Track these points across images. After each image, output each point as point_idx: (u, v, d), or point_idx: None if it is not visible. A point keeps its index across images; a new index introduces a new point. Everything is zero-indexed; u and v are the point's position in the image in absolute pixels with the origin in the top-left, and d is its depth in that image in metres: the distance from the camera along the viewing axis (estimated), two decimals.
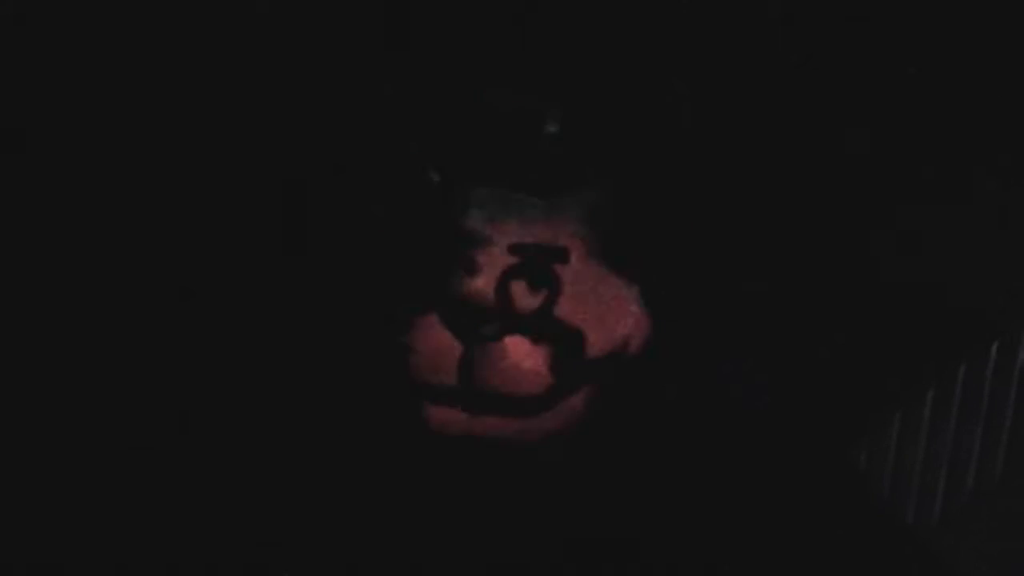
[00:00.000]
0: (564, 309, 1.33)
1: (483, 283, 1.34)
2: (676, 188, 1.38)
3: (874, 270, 1.60)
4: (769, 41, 1.48)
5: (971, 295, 1.67)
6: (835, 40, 1.51)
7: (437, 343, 1.35)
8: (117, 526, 1.39)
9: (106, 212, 1.40)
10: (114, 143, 1.41)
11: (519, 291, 1.34)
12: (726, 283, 1.45)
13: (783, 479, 1.48)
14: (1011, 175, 1.62)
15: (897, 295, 1.64)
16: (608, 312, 1.34)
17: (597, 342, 1.34)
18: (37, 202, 1.40)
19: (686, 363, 1.41)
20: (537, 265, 1.34)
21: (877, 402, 1.75)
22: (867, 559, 1.47)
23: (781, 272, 1.52)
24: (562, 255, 1.33)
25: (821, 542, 1.46)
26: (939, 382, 1.80)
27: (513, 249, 1.34)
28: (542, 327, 1.33)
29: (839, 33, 1.51)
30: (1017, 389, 1.78)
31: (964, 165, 1.60)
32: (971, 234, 1.63)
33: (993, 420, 1.77)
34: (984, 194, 1.61)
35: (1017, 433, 1.77)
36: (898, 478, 1.82)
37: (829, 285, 1.57)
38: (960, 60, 1.56)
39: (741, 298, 1.49)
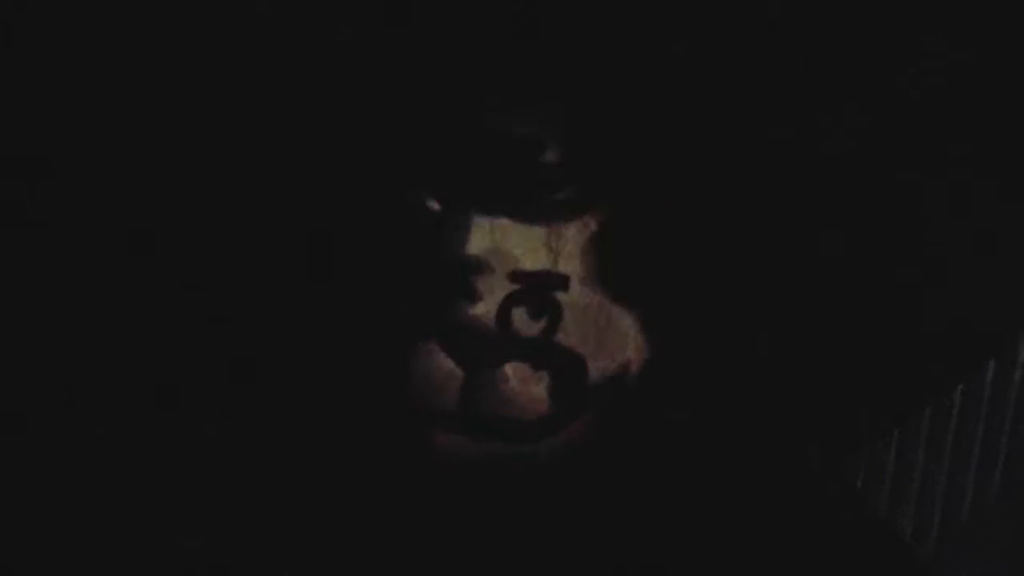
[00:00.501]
0: (565, 336, 1.34)
1: (484, 310, 1.35)
2: (675, 214, 1.39)
3: (870, 288, 1.61)
4: (765, 56, 1.48)
5: (968, 312, 1.68)
6: (827, 44, 1.51)
7: (438, 369, 1.36)
8: (116, 526, 1.39)
9: (93, 213, 1.39)
10: (108, 142, 1.37)
11: (520, 318, 1.35)
12: (724, 305, 1.45)
13: (781, 497, 1.48)
14: (1008, 186, 1.62)
15: (892, 312, 1.64)
16: (608, 338, 1.35)
17: (598, 368, 1.35)
18: (36, 205, 1.37)
19: (685, 385, 1.42)
20: (538, 292, 1.35)
21: (873, 421, 1.75)
22: None
23: (778, 294, 1.52)
24: (563, 282, 1.35)
25: (819, 561, 1.46)
26: (936, 401, 1.81)
27: (513, 276, 1.35)
28: (543, 354, 1.34)
29: (831, 37, 1.51)
30: (1014, 408, 1.79)
31: (962, 177, 1.60)
32: (971, 251, 1.64)
33: (990, 438, 1.78)
34: (983, 209, 1.61)
35: (1015, 451, 1.78)
36: (895, 498, 1.83)
37: (824, 303, 1.58)
38: (962, 60, 1.56)
39: (738, 319, 1.49)
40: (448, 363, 1.36)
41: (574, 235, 1.35)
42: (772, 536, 1.45)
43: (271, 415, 1.40)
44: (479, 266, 1.36)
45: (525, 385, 1.35)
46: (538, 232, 1.36)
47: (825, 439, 1.61)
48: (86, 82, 1.37)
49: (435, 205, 1.37)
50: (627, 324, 1.36)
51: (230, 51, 1.35)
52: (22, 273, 1.39)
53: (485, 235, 1.36)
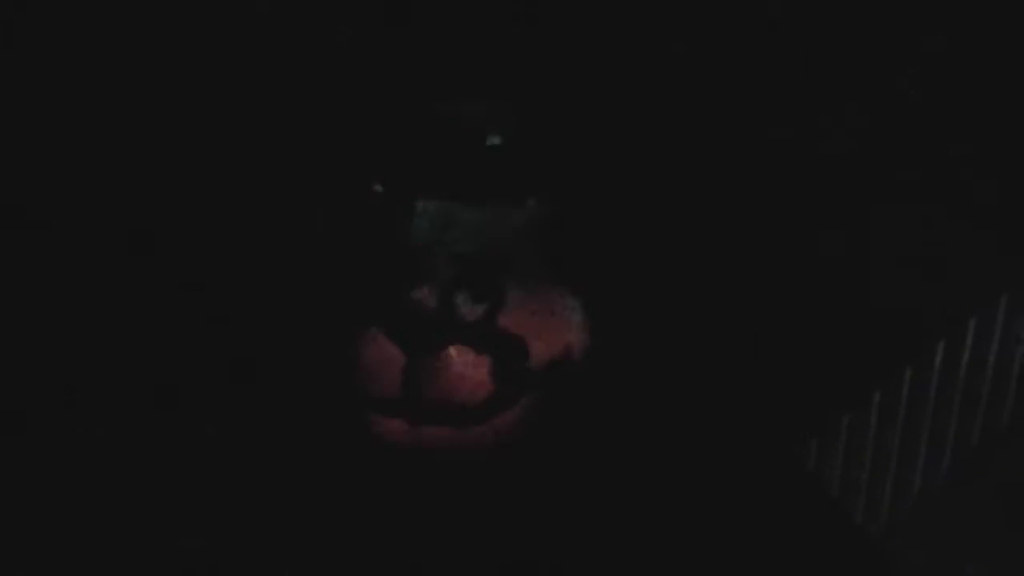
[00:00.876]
0: (507, 319, 1.34)
1: (426, 293, 1.35)
2: (618, 197, 1.39)
3: (818, 271, 1.61)
4: (716, 49, 1.49)
5: (915, 297, 1.68)
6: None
7: (380, 354, 1.36)
8: (115, 526, 1.38)
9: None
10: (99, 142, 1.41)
11: (462, 301, 1.34)
12: (668, 289, 1.46)
13: (732, 481, 1.48)
14: (954, 176, 1.63)
15: (841, 297, 1.65)
16: (551, 321, 1.34)
17: (540, 351, 1.34)
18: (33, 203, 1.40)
19: (629, 369, 1.42)
20: (480, 275, 1.34)
21: (824, 405, 1.76)
22: (817, 560, 1.48)
23: (723, 276, 1.53)
24: (505, 265, 1.34)
25: (771, 543, 1.47)
26: (885, 384, 1.81)
27: (455, 259, 1.34)
28: (485, 337, 1.34)
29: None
30: (962, 391, 1.80)
31: (909, 165, 1.61)
32: (914, 237, 1.65)
33: (939, 422, 1.79)
34: (930, 195, 1.62)
35: (963, 435, 1.79)
36: (846, 481, 1.83)
37: (774, 287, 1.58)
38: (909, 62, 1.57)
39: (683, 303, 1.49)
40: (390, 348, 1.35)
41: (518, 219, 1.35)
42: (722, 517, 1.45)
43: (216, 406, 1.41)
44: (421, 250, 1.35)
45: (468, 368, 1.34)
46: (482, 215, 1.35)
47: (774, 424, 1.62)
48: (85, 81, 1.39)
49: (378, 187, 1.37)
50: (570, 307, 1.35)
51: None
52: (21, 273, 1.41)
53: (428, 218, 1.36)
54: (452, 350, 1.34)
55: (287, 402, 1.39)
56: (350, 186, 1.37)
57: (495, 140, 1.37)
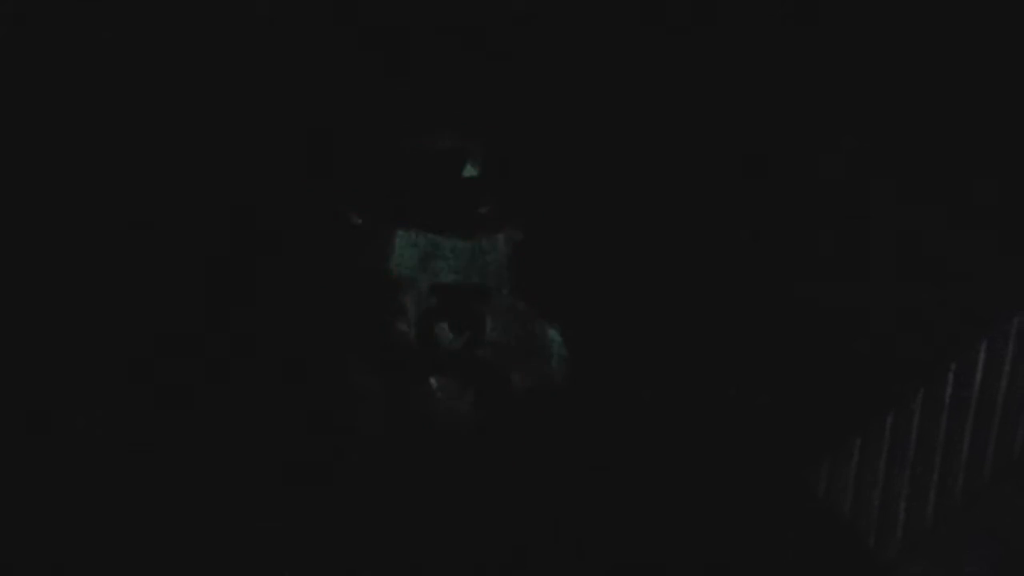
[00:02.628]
0: (487, 348, 1.34)
1: (406, 325, 1.35)
2: (597, 226, 1.38)
3: (823, 295, 1.59)
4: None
5: (927, 322, 1.66)
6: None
7: (361, 386, 1.36)
8: (114, 526, 1.38)
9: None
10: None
11: (442, 332, 1.35)
12: (656, 316, 1.44)
13: (743, 506, 1.47)
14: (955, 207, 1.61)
15: (851, 322, 1.63)
16: (532, 350, 1.35)
17: (521, 380, 1.34)
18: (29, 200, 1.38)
19: (611, 395, 1.41)
20: (459, 305, 1.35)
21: (835, 429, 1.74)
22: None
23: (724, 298, 1.51)
24: (484, 295, 1.34)
25: (782, 566, 1.45)
26: (896, 408, 1.79)
27: (435, 290, 1.35)
28: (466, 367, 1.34)
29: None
30: (974, 415, 1.77)
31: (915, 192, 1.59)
32: (930, 260, 1.62)
33: (951, 447, 1.76)
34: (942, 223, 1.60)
35: (975, 460, 1.76)
36: (858, 505, 1.81)
37: (778, 311, 1.56)
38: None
39: (677, 328, 1.48)
40: (371, 379, 1.36)
41: (498, 248, 1.35)
42: (735, 540, 1.44)
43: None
44: (402, 280, 1.36)
45: (449, 398, 1.35)
46: (462, 246, 1.35)
47: (783, 447, 1.60)
48: (84, 81, 1.37)
49: (358, 220, 1.37)
50: (550, 336, 1.35)
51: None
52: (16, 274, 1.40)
53: (408, 249, 1.36)
54: (432, 380, 1.35)
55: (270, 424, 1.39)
56: (332, 217, 1.38)
57: (474, 169, 1.37)
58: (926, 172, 1.54)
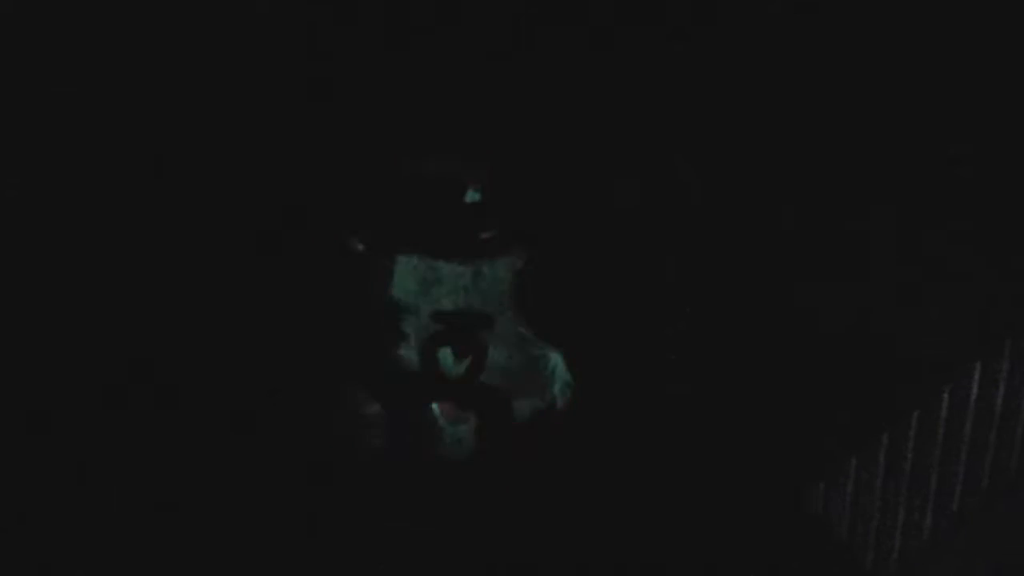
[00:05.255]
0: (490, 374, 1.34)
1: (408, 351, 1.35)
2: (599, 249, 1.38)
3: (820, 312, 1.59)
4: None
5: (924, 340, 1.66)
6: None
7: (364, 412, 1.36)
8: (112, 526, 1.39)
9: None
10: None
11: (445, 358, 1.35)
12: (657, 338, 1.44)
13: (742, 525, 1.47)
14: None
15: (848, 339, 1.63)
16: (534, 375, 1.35)
17: (524, 406, 1.34)
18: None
19: (614, 420, 1.41)
20: (462, 331, 1.35)
21: (831, 447, 1.74)
22: None
23: (720, 321, 1.51)
24: (486, 321, 1.34)
25: None
26: (893, 426, 1.79)
27: (437, 316, 1.35)
28: (468, 393, 1.34)
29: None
30: (971, 431, 1.77)
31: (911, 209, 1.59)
32: (922, 280, 1.62)
33: (947, 466, 1.77)
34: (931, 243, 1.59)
35: (971, 479, 1.76)
36: (855, 523, 1.81)
37: (776, 328, 1.56)
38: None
39: (677, 349, 1.47)
40: (373, 405, 1.36)
41: (499, 273, 1.35)
42: (733, 560, 1.44)
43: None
44: (404, 308, 1.36)
45: (452, 425, 1.35)
46: (462, 271, 1.35)
47: (781, 465, 1.60)
48: (82, 81, 1.36)
49: (359, 246, 1.37)
50: (553, 361, 1.35)
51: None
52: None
53: (408, 276, 1.36)
54: (434, 407, 1.35)
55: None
56: (333, 245, 1.37)
57: (475, 195, 1.37)
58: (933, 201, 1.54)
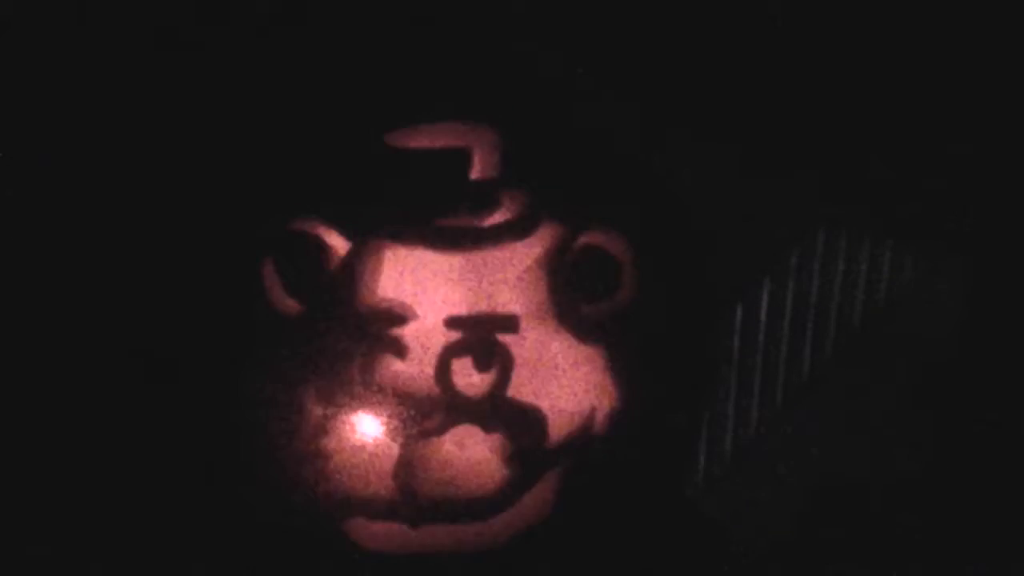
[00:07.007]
0: (518, 386, 1.09)
1: (417, 367, 1.08)
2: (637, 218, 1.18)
3: None
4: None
5: (741, 235, 1.60)
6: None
7: (365, 445, 1.08)
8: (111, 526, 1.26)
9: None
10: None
11: (463, 372, 1.08)
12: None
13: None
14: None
15: None
16: (570, 382, 1.11)
17: (560, 420, 1.11)
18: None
19: (664, 432, 1.21)
20: (481, 338, 1.09)
21: None
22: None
23: None
24: (510, 323, 1.09)
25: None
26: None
27: (450, 323, 1.08)
28: (494, 411, 1.09)
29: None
30: (763, 347, 1.72)
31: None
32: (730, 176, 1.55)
33: (743, 379, 1.71)
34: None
35: (765, 393, 1.72)
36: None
37: None
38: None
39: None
40: (378, 436, 1.08)
41: (517, 262, 1.10)
42: None
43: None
44: (403, 313, 1.08)
45: (475, 452, 1.09)
46: (470, 263, 1.09)
47: None
48: (81, 80, 1.32)
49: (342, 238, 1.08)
50: (593, 363, 1.11)
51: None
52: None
53: (405, 272, 1.09)
54: (454, 432, 1.09)
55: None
56: (307, 239, 1.09)
57: (479, 170, 1.12)
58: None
